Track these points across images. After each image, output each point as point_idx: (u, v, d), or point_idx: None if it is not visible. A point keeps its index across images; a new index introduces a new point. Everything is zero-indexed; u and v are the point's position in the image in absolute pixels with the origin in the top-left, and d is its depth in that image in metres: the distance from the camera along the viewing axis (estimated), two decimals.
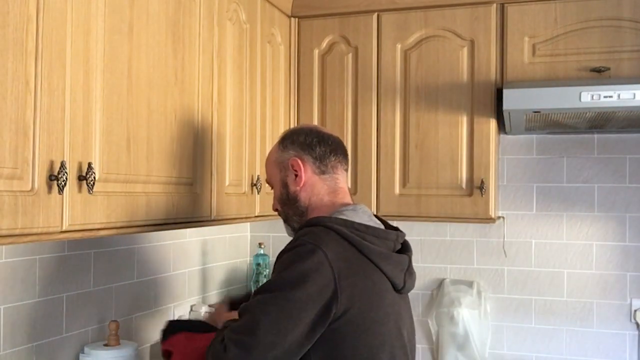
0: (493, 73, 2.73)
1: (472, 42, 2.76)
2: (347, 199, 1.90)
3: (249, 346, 1.58)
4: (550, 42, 2.68)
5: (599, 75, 2.59)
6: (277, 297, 1.60)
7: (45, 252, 2.08)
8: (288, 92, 2.95)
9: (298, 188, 1.87)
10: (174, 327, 2.20)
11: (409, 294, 1.89)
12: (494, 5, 2.75)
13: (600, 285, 2.99)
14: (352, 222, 1.72)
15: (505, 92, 2.54)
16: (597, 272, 3.00)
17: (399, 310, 1.77)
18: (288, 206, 1.90)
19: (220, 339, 1.64)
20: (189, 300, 2.90)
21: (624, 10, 2.60)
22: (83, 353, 2.20)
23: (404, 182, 2.83)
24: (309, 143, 1.88)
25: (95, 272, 2.31)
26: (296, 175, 1.87)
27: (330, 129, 2.21)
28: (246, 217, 2.52)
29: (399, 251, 1.83)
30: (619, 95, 2.41)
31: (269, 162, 1.96)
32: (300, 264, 1.60)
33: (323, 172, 1.88)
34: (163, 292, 2.71)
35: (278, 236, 3.41)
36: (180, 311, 2.82)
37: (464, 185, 2.74)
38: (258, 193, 2.56)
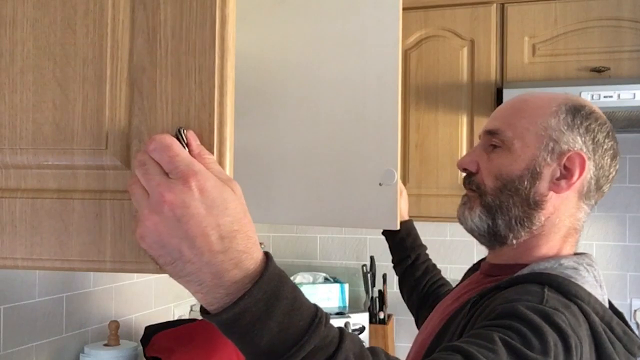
0: (493, 73, 2.73)
1: (472, 42, 2.77)
2: (576, 246, 1.32)
3: None
4: (550, 42, 2.68)
5: (599, 75, 2.59)
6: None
7: None
8: None
9: (552, 194, 1.21)
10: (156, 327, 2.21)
11: None
12: (494, 5, 2.75)
13: None
14: (611, 317, 1.12)
15: (505, 92, 2.55)
16: None
17: None
18: (517, 200, 1.22)
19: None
20: (188, 300, 2.90)
21: (624, 10, 2.61)
22: (83, 353, 2.20)
23: (404, 182, 2.84)
24: (606, 149, 1.23)
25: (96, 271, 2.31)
26: (563, 177, 1.21)
27: None
28: None
29: None
30: (619, 95, 2.42)
31: (530, 115, 1.23)
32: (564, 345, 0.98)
33: (587, 198, 1.24)
34: (163, 292, 2.71)
35: (278, 236, 3.41)
36: (180, 311, 2.82)
37: None
38: None
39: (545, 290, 1.07)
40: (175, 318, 2.77)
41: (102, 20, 0.69)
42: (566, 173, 1.20)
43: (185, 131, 0.65)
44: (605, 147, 1.22)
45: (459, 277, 3.12)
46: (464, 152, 2.75)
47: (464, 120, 2.76)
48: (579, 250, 1.33)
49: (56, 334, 2.13)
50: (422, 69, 2.83)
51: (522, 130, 1.22)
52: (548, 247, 1.24)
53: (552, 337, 0.97)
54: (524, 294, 1.06)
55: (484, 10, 2.76)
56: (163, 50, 0.67)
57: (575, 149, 1.20)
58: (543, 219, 1.21)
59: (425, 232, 3.30)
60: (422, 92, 2.82)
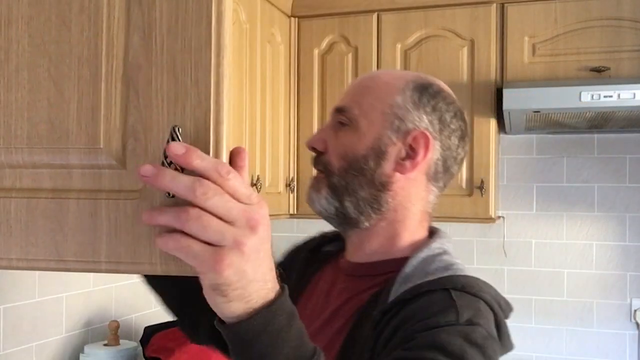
0: (493, 73, 2.73)
1: (472, 42, 2.77)
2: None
3: None
4: (550, 42, 2.68)
5: (599, 75, 2.59)
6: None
7: None
8: (288, 92, 2.95)
9: (395, 176, 1.15)
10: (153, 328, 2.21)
11: None
12: (494, 5, 2.75)
13: (600, 285, 2.99)
14: (500, 300, 1.14)
15: (505, 92, 2.55)
16: (597, 272, 3.00)
17: None
18: (363, 181, 1.15)
19: None
20: None
21: (624, 10, 2.60)
22: (83, 353, 2.20)
23: None
24: (453, 129, 1.19)
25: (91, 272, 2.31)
26: (408, 157, 1.15)
27: None
28: None
29: None
30: (619, 95, 2.41)
31: (377, 92, 1.18)
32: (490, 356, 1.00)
33: (435, 179, 1.20)
34: None
35: (278, 236, 3.39)
36: None
37: (464, 185, 2.74)
38: (258, 193, 2.56)
39: (453, 296, 1.05)
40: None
41: (97, 18, 0.68)
42: (411, 153, 1.14)
43: (179, 129, 0.65)
44: (452, 127, 1.18)
45: None
46: None
47: None
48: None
49: (56, 334, 2.13)
50: (422, 69, 2.82)
51: (368, 107, 1.15)
52: (409, 234, 1.20)
53: None
54: (434, 309, 1.03)
55: (484, 10, 2.76)
56: (159, 48, 0.67)
57: (421, 127, 1.14)
58: (391, 200, 1.15)
59: None
60: None
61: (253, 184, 2.53)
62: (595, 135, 3.00)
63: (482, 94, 2.74)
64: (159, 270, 0.68)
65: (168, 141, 0.64)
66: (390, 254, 1.18)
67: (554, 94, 2.50)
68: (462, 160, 1.22)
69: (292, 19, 2.98)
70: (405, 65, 2.85)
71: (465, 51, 2.77)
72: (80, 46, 0.68)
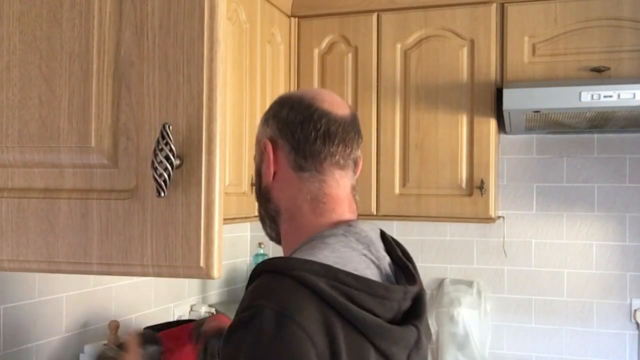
0: (493, 73, 2.73)
1: (472, 42, 2.76)
2: (340, 211, 1.28)
3: None
4: (550, 42, 2.67)
5: (599, 75, 2.58)
6: None
7: None
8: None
9: (269, 182, 1.28)
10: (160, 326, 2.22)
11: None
12: (494, 5, 2.74)
13: (600, 285, 2.99)
14: (337, 272, 1.11)
15: (505, 92, 2.54)
16: (597, 272, 2.99)
17: None
18: (260, 202, 1.33)
19: None
20: (188, 300, 2.90)
21: (624, 10, 2.60)
22: (83, 353, 2.19)
23: (404, 182, 2.83)
24: (290, 121, 1.27)
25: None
26: (268, 165, 1.29)
27: None
28: (246, 217, 2.51)
29: (409, 314, 1.21)
30: (619, 95, 2.41)
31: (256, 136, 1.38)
32: (272, 346, 1.02)
33: (301, 168, 1.26)
34: (163, 292, 2.71)
35: None
36: (180, 311, 2.82)
37: (464, 185, 2.74)
38: None
39: (262, 279, 1.13)
40: (175, 318, 2.77)
41: (88, 13, 0.67)
42: (268, 160, 1.28)
43: (169, 127, 0.64)
44: (289, 119, 1.27)
45: (459, 276, 3.13)
46: (464, 152, 2.75)
47: (464, 120, 2.75)
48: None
49: (56, 334, 2.13)
50: (422, 69, 2.82)
51: (255, 147, 1.36)
52: (309, 226, 1.27)
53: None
54: (245, 299, 1.11)
55: (484, 10, 2.75)
56: (150, 43, 0.66)
57: (264, 136, 1.30)
58: (276, 206, 1.29)
59: (425, 232, 3.32)
60: (422, 92, 2.82)
61: (253, 184, 2.52)
62: (595, 135, 3.00)
63: (482, 94, 2.74)
64: (150, 273, 0.67)
65: (158, 140, 0.63)
66: (293, 252, 1.26)
67: (554, 94, 2.49)
68: (320, 136, 1.26)
69: (292, 19, 2.98)
70: (406, 65, 2.84)
71: (465, 51, 2.77)
72: (72, 42, 0.67)
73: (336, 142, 1.27)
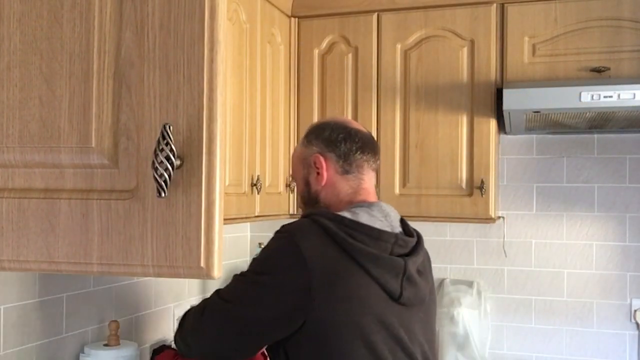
0: (493, 73, 2.73)
1: (472, 42, 2.76)
2: (369, 198, 1.78)
3: (219, 309, 1.63)
4: (550, 42, 2.67)
5: (599, 75, 2.58)
6: (248, 275, 1.63)
7: None
8: (288, 92, 2.94)
9: (319, 187, 1.77)
10: (162, 347, 2.32)
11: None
12: (494, 5, 2.74)
13: (600, 285, 2.99)
14: (343, 218, 1.62)
15: (505, 92, 2.54)
16: (597, 272, 2.99)
17: (405, 323, 1.63)
18: (309, 206, 1.80)
19: (203, 303, 1.70)
20: (189, 300, 2.90)
21: (624, 10, 2.60)
22: (83, 353, 2.19)
23: (404, 182, 2.83)
24: (334, 139, 1.76)
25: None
26: (318, 174, 1.77)
27: None
28: (246, 217, 2.51)
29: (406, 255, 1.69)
30: (619, 95, 2.41)
31: (294, 158, 1.88)
32: (274, 252, 1.59)
33: (347, 172, 1.76)
34: (163, 292, 2.71)
35: None
36: (180, 311, 2.81)
37: (464, 185, 2.74)
38: (258, 193, 2.56)
39: (297, 220, 1.68)
40: (176, 318, 2.77)
41: (89, 14, 0.67)
42: (318, 169, 1.76)
43: (170, 127, 0.64)
44: (332, 137, 1.77)
45: (459, 277, 3.13)
46: (464, 152, 2.74)
47: (464, 120, 2.75)
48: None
49: (56, 334, 2.13)
50: (422, 69, 2.82)
51: (294, 167, 1.88)
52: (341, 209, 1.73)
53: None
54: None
55: (484, 10, 2.75)
56: (151, 44, 0.65)
57: (314, 153, 1.78)
58: (327, 201, 1.76)
59: (425, 232, 3.30)
60: (422, 92, 2.82)
61: (253, 184, 2.53)
62: (595, 135, 3.00)
63: (482, 94, 2.74)
64: (151, 273, 0.67)
65: (159, 140, 0.63)
66: None
67: (554, 94, 2.49)
68: (358, 148, 1.77)
69: (292, 19, 2.98)
70: (406, 65, 2.84)
71: (465, 51, 2.77)
72: (72, 43, 0.67)
73: (367, 151, 1.78)
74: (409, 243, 1.72)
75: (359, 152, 1.76)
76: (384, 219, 1.68)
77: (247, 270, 1.65)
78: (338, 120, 1.85)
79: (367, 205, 1.70)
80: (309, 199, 1.79)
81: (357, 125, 1.83)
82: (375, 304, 1.58)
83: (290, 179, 2.65)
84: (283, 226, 1.62)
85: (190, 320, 1.71)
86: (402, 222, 1.79)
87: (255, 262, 1.67)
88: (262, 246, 1.70)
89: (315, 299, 1.51)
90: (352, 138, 1.76)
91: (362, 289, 1.57)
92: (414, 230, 1.81)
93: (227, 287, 1.67)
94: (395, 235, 1.68)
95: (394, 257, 1.64)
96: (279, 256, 1.58)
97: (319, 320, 1.53)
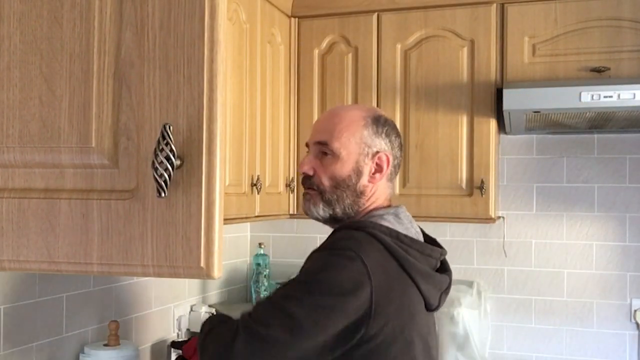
0: (493, 73, 2.73)
1: (472, 42, 2.76)
2: (394, 204, 1.74)
3: (260, 338, 1.43)
4: (550, 42, 2.67)
5: (599, 75, 2.58)
6: (305, 299, 1.46)
7: None
8: (288, 92, 2.94)
9: (368, 184, 1.66)
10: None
11: None
12: (494, 5, 2.74)
13: (600, 285, 2.99)
14: (397, 233, 1.57)
15: (505, 92, 2.54)
16: (597, 272, 2.99)
17: (429, 330, 1.65)
18: (347, 193, 1.65)
19: (231, 326, 1.48)
20: (189, 300, 2.90)
21: (624, 10, 2.60)
22: (83, 353, 2.19)
23: (404, 182, 2.83)
24: (399, 145, 1.71)
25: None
26: (376, 172, 1.66)
27: None
28: (246, 217, 2.51)
29: (440, 270, 1.70)
30: (619, 95, 2.41)
31: (349, 129, 1.66)
32: (339, 271, 1.46)
33: (390, 180, 1.72)
34: (163, 292, 2.71)
35: (278, 236, 3.41)
36: (180, 311, 2.81)
37: (464, 185, 2.74)
38: (258, 193, 2.56)
39: (347, 231, 1.58)
40: (176, 318, 2.77)
41: (89, 13, 0.67)
42: (378, 168, 1.67)
43: (170, 127, 0.64)
44: (395, 143, 1.70)
45: (459, 277, 3.13)
46: (464, 152, 2.74)
47: (464, 120, 2.75)
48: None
49: (56, 334, 2.13)
50: (422, 69, 2.82)
51: (345, 141, 1.65)
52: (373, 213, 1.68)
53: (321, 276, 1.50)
54: (330, 240, 1.60)
55: (484, 10, 2.75)
56: (151, 44, 0.65)
57: (382, 150, 1.67)
58: (366, 201, 1.68)
59: (425, 232, 3.31)
60: (422, 92, 2.81)
61: (253, 184, 2.53)
62: (595, 135, 3.00)
63: (482, 94, 2.74)
64: (151, 273, 0.67)
65: (159, 140, 0.63)
66: None
67: (554, 94, 2.49)
68: (401, 159, 1.76)
69: (292, 19, 2.98)
70: (406, 65, 2.84)
71: (465, 51, 2.77)
72: (72, 43, 0.67)
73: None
74: (444, 255, 1.72)
75: (400, 164, 1.76)
76: (410, 225, 1.67)
77: (299, 291, 1.49)
78: (387, 116, 1.76)
79: (393, 211, 1.66)
80: (350, 187, 1.64)
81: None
82: (419, 318, 1.59)
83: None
84: (343, 241, 1.54)
85: (216, 348, 1.50)
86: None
87: (312, 283, 1.49)
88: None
89: (374, 316, 1.46)
90: (400, 147, 1.73)
91: (412, 305, 1.56)
92: (434, 238, 1.77)
93: (267, 310, 1.50)
94: (440, 251, 1.69)
95: (440, 274, 1.66)
96: (347, 276, 1.46)
97: (373, 335, 1.47)
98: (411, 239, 1.59)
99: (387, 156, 1.67)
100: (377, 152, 1.66)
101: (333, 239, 1.57)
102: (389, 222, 1.60)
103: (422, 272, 1.57)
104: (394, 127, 1.73)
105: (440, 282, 1.64)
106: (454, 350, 3.02)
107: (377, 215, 1.62)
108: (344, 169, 1.65)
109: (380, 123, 1.68)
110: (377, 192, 1.68)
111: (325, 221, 1.72)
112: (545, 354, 3.05)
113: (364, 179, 1.65)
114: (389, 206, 1.70)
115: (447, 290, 1.68)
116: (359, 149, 1.65)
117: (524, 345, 3.08)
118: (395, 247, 1.53)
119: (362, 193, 1.66)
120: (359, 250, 1.48)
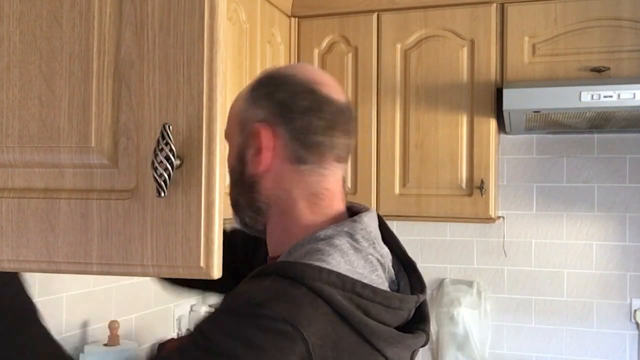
0: (493, 73, 2.73)
1: (472, 42, 2.76)
2: (336, 205, 1.18)
3: None
4: (550, 42, 2.67)
5: (599, 75, 2.58)
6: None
7: None
8: None
9: (257, 171, 1.14)
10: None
11: None
12: (494, 5, 2.74)
13: (600, 285, 2.99)
14: (354, 284, 1.03)
15: (505, 92, 2.54)
16: (597, 272, 2.99)
17: None
18: (240, 190, 1.19)
19: None
20: (188, 300, 2.90)
21: (624, 10, 2.60)
22: (83, 353, 2.19)
23: (404, 182, 2.83)
24: (292, 106, 1.13)
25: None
26: (257, 152, 1.13)
27: None
28: None
29: (414, 322, 1.16)
30: (619, 95, 2.41)
31: (232, 111, 1.23)
32: (266, 349, 0.94)
33: (300, 161, 1.13)
34: (163, 292, 2.70)
35: None
36: (180, 311, 2.81)
37: (464, 185, 2.74)
38: None
39: (278, 283, 1.00)
40: (176, 318, 2.77)
41: (88, 13, 0.67)
42: (259, 147, 1.12)
43: (170, 127, 0.64)
44: (290, 104, 1.12)
45: (459, 276, 3.13)
46: (464, 152, 2.74)
47: (464, 120, 2.75)
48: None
49: (56, 334, 2.13)
50: (422, 69, 2.82)
51: (230, 124, 1.20)
52: (301, 221, 1.15)
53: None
54: (238, 291, 1.03)
55: (484, 10, 2.75)
56: (151, 43, 0.65)
57: (260, 119, 1.13)
58: (264, 198, 1.15)
59: (425, 232, 3.32)
60: (422, 92, 2.81)
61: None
62: (595, 135, 3.00)
63: (482, 94, 2.74)
64: (150, 273, 0.67)
65: (159, 140, 0.63)
66: (289, 243, 1.14)
67: (554, 94, 2.49)
68: (327, 127, 1.13)
69: (292, 19, 2.98)
70: (406, 65, 2.84)
71: (465, 51, 2.77)
72: (72, 42, 0.67)
73: (338, 133, 1.14)
74: (421, 298, 1.17)
75: (322, 133, 1.14)
76: (373, 249, 1.14)
77: (209, 340, 0.98)
78: (303, 77, 1.16)
79: (346, 229, 1.12)
80: (240, 180, 1.18)
81: (331, 87, 1.16)
82: None
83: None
84: (271, 302, 0.97)
85: None
86: (381, 226, 1.22)
87: (240, 351, 0.94)
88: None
89: None
90: (316, 109, 1.13)
91: None
92: (411, 262, 1.23)
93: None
94: (416, 299, 1.14)
95: (417, 334, 1.14)
96: (270, 343, 0.95)
97: None
98: (373, 289, 1.05)
99: (264, 126, 1.12)
100: (252, 123, 1.14)
101: (258, 289, 1.01)
102: (342, 255, 1.07)
103: (388, 338, 1.06)
104: (285, 80, 1.16)
105: (411, 345, 1.14)
106: (454, 350, 3.02)
107: (318, 246, 1.08)
108: (230, 158, 1.20)
109: (262, 84, 1.18)
110: (283, 182, 1.15)
111: (245, 229, 1.26)
112: (545, 354, 3.05)
113: (250, 167, 1.15)
114: (336, 218, 1.17)
115: (424, 345, 1.17)
116: (237, 127, 1.18)
117: (523, 345, 3.08)
118: (349, 309, 1.01)
119: (252, 186, 1.16)
120: (296, 321, 0.95)
